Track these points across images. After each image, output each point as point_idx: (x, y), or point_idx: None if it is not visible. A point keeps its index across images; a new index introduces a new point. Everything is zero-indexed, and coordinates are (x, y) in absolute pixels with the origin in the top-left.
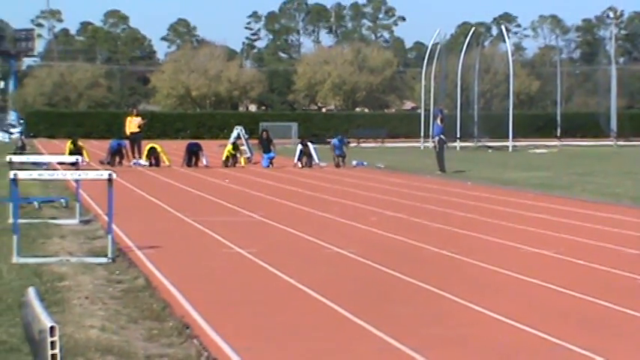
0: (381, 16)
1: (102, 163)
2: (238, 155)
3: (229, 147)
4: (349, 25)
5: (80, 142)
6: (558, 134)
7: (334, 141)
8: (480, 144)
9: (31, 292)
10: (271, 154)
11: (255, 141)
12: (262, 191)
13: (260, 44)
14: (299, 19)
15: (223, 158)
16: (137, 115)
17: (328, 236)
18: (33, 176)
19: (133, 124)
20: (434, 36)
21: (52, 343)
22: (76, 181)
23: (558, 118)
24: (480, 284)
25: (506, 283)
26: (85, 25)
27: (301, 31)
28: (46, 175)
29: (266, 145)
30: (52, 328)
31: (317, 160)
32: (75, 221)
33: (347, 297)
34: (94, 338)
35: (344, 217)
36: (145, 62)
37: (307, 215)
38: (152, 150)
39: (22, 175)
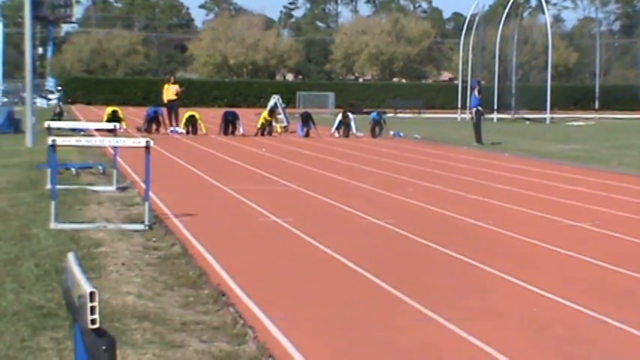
0: None
1: (139, 130)
2: (274, 123)
3: (265, 114)
4: None
5: (120, 111)
6: (596, 107)
7: (373, 115)
8: (517, 116)
9: (70, 257)
10: (310, 125)
11: (293, 110)
12: (299, 160)
13: (298, 13)
14: None
15: (258, 126)
16: (174, 83)
17: (364, 206)
18: (71, 142)
19: (170, 92)
20: (472, 7)
21: (92, 308)
22: (114, 147)
23: (596, 90)
24: (516, 256)
25: (542, 255)
26: None
27: (339, 1)
28: (84, 141)
29: (306, 120)
30: (91, 293)
31: (354, 131)
32: (112, 188)
33: (383, 267)
34: (130, 304)
35: (380, 187)
36: (183, 30)
37: (344, 185)
38: (191, 118)
39: (60, 141)
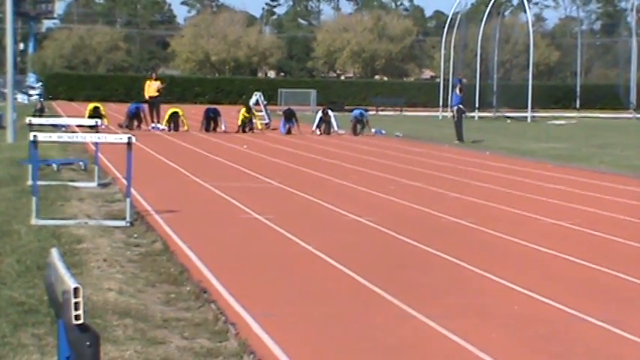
0: None
1: (120, 126)
2: (255, 120)
3: (243, 110)
4: None
5: (101, 107)
6: (577, 106)
7: (355, 113)
8: (498, 114)
9: (54, 252)
10: (292, 122)
11: (275, 107)
12: (280, 157)
13: (280, 10)
14: None
15: (239, 123)
16: (156, 79)
17: (346, 204)
18: (53, 138)
19: (152, 88)
20: (454, 5)
21: (76, 304)
22: (95, 144)
23: (578, 89)
24: (497, 254)
25: (523, 253)
26: None
27: None
28: (65, 137)
29: (289, 117)
30: (75, 289)
31: (336, 128)
32: (93, 184)
33: (364, 264)
34: (112, 301)
35: (362, 184)
36: (165, 26)
37: (325, 182)
38: (174, 114)
39: (41, 137)
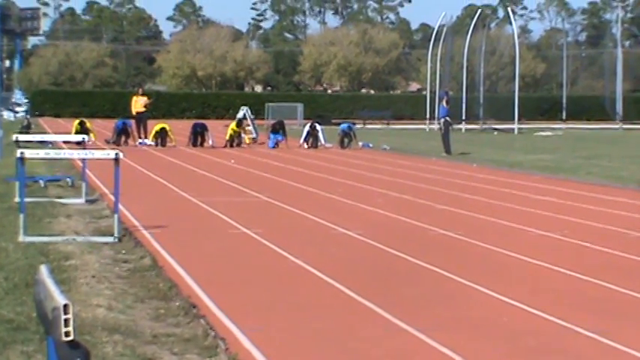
0: None
1: (107, 142)
2: (243, 135)
3: (233, 125)
4: (355, 6)
5: (88, 123)
6: (564, 117)
7: (343, 126)
8: (485, 126)
9: (43, 269)
10: (279, 136)
11: (262, 122)
12: (268, 172)
13: (266, 25)
14: (305, 0)
15: (227, 137)
16: (143, 95)
17: (334, 217)
18: (40, 155)
19: (138, 104)
20: (440, 18)
21: (66, 320)
22: (83, 160)
23: (564, 101)
24: (486, 266)
25: (512, 265)
26: (90, 5)
27: (307, 12)
28: (52, 153)
29: (277, 128)
30: (65, 305)
31: (323, 142)
32: (81, 200)
33: (353, 278)
34: (101, 317)
35: (350, 198)
36: (151, 42)
37: (313, 196)
38: (161, 130)
39: (28, 153)
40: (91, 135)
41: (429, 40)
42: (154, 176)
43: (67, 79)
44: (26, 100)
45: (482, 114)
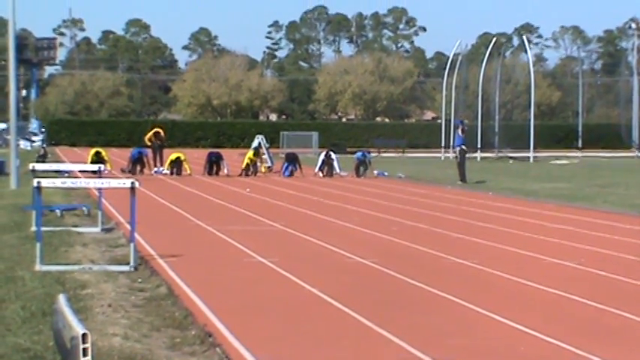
0: (401, 26)
1: (123, 171)
2: (259, 163)
3: (250, 154)
4: (370, 35)
5: (103, 152)
6: (579, 145)
7: (358, 154)
8: (500, 154)
9: (61, 298)
10: (295, 165)
11: (277, 150)
12: (283, 200)
13: (281, 54)
14: (320, 29)
15: (243, 166)
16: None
17: (350, 245)
18: (56, 184)
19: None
20: (455, 46)
21: (84, 350)
22: (99, 189)
23: (579, 129)
24: (502, 295)
25: (528, 293)
26: (106, 34)
27: (322, 41)
28: (69, 182)
29: (291, 158)
30: (84, 335)
31: (338, 170)
32: (97, 229)
33: (369, 306)
34: (117, 346)
35: (365, 226)
36: (166, 71)
37: (328, 224)
38: (176, 159)
39: (45, 182)
40: (107, 164)
41: (444, 69)
42: (169, 205)
43: (82, 108)
44: (42, 130)
45: (497, 142)
